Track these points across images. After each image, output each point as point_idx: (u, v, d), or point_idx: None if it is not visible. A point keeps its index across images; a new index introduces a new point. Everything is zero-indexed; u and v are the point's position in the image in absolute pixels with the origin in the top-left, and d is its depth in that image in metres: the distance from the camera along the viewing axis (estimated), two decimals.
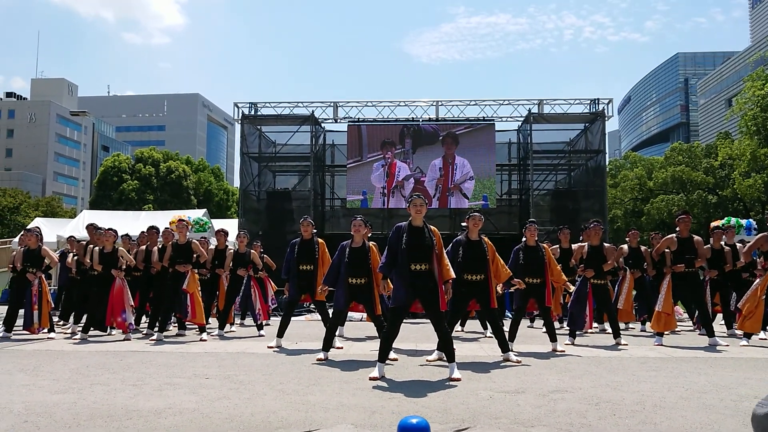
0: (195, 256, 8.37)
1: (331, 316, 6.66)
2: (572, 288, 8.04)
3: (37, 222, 19.14)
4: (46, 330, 8.52)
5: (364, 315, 9.92)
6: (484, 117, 16.59)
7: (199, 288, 8.60)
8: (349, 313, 8.97)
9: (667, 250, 7.96)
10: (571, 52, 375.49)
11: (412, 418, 2.40)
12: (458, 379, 4.99)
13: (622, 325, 9.39)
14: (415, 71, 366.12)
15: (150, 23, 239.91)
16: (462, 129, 16.16)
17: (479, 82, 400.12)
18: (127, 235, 10.08)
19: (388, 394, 4.45)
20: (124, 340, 8.02)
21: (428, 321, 5.67)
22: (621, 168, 45.57)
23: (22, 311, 8.50)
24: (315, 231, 7.60)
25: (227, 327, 9.08)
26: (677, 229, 7.96)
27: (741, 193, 31.04)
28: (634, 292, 9.81)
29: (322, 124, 17.17)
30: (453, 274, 5.42)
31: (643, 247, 9.78)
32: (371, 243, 6.75)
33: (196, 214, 17.44)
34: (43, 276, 8.67)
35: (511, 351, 6.29)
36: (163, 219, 14.74)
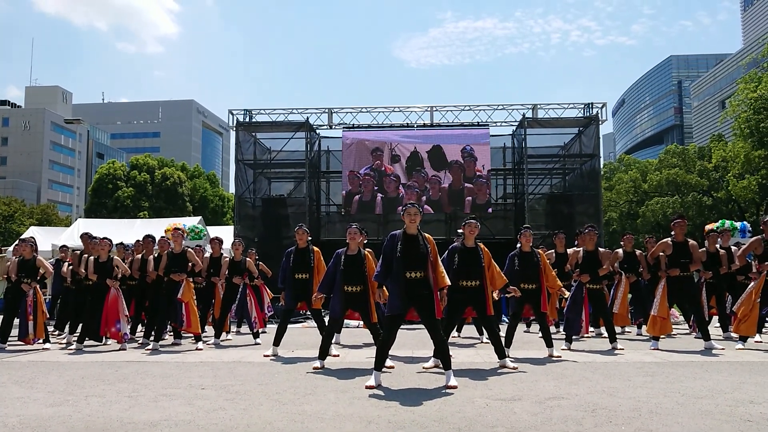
0: (190, 264, 8.35)
1: (327, 324, 6.65)
2: (567, 293, 8.06)
3: (32, 230, 19.04)
4: (41, 340, 8.48)
5: (361, 322, 9.90)
6: (478, 122, 16.64)
7: (195, 297, 8.58)
8: (346, 321, 8.96)
9: (662, 254, 8.00)
10: (558, 56, 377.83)
11: None
12: (454, 387, 4.99)
13: (618, 329, 9.40)
14: (405, 76, 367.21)
15: (143, 32, 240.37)
16: (457, 135, 16.20)
17: (470, 87, 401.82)
18: (122, 243, 10.03)
19: (384, 403, 4.45)
20: (119, 350, 8.00)
21: (424, 328, 5.66)
22: (616, 171, 45.70)
23: (16, 321, 8.46)
24: (310, 239, 7.60)
25: (223, 335, 9.06)
26: (672, 233, 7.99)
27: (735, 194, 31.15)
28: (630, 296, 9.84)
29: (317, 131, 17.19)
30: (448, 282, 5.43)
31: (638, 251, 9.81)
32: (367, 250, 6.76)
33: (192, 221, 17.40)
34: (38, 286, 8.64)
35: (508, 357, 6.29)
36: (158, 226, 14.72)
